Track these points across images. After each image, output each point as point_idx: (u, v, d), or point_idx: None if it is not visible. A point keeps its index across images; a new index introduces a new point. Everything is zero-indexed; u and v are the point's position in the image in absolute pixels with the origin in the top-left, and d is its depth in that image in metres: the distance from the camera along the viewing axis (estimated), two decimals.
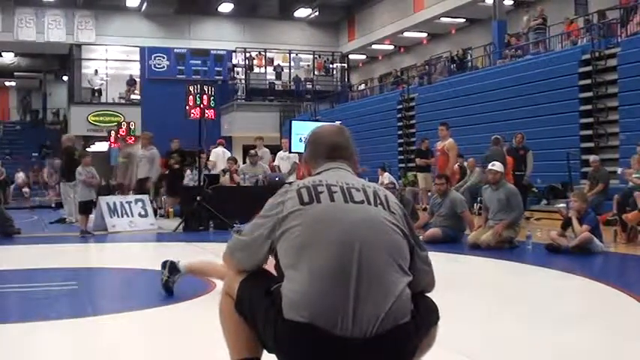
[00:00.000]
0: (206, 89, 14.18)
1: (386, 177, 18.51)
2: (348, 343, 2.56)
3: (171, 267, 6.13)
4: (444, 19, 30.74)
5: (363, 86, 38.39)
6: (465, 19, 31.33)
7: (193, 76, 34.66)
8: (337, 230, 2.67)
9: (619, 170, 12.54)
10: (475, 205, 16.27)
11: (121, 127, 21.74)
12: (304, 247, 2.66)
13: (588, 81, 18.21)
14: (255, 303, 2.77)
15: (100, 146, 31.09)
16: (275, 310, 2.65)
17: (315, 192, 2.76)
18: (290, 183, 2.95)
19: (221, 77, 35.85)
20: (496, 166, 10.57)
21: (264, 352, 2.88)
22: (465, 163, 18.61)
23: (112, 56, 37.28)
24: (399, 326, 2.63)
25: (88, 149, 17.21)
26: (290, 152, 15.67)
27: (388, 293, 2.63)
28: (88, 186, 12.85)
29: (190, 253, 9.91)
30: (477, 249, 9.96)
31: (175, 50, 35.91)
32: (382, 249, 2.69)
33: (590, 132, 17.94)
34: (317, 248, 2.64)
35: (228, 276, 2.97)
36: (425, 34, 34.43)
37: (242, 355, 2.88)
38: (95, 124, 34.24)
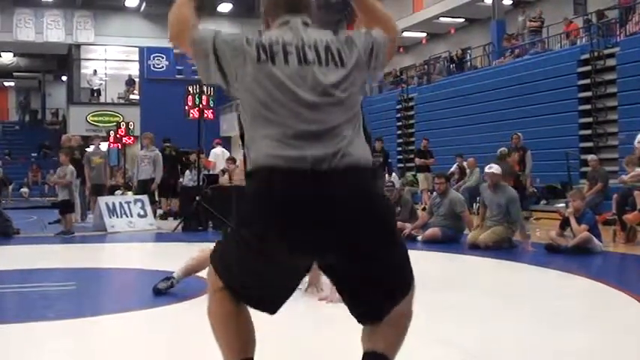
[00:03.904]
0: (205, 89, 14.21)
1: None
2: (314, 175, 2.64)
3: (165, 278, 6.27)
4: (443, 19, 30.74)
5: None
6: (464, 19, 31.32)
7: (192, 76, 34.66)
8: (290, 96, 2.73)
9: (622, 177, 12.53)
10: (474, 205, 16.28)
11: (120, 127, 21.72)
12: (259, 112, 2.74)
13: (587, 81, 18.22)
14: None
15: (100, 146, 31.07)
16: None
17: (271, 51, 2.78)
18: None
19: None
20: (493, 168, 10.52)
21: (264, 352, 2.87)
22: (465, 163, 18.62)
23: (110, 56, 37.30)
24: (359, 167, 2.72)
25: (87, 149, 17.11)
26: None
27: (344, 139, 2.73)
28: (61, 186, 12.86)
29: (189, 254, 9.90)
30: (475, 249, 9.95)
31: (174, 50, 35.87)
32: (334, 112, 2.76)
33: (589, 132, 17.96)
34: (271, 114, 2.72)
35: (209, 274, 2.94)
36: (424, 34, 34.41)
37: (235, 358, 2.87)
38: (94, 124, 34.23)
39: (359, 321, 2.90)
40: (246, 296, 2.83)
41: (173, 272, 6.32)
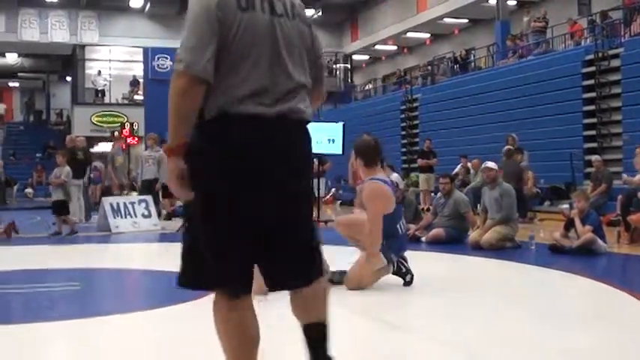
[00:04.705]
0: None
1: (394, 177, 18.45)
2: (268, 118, 2.84)
3: None
4: (447, 20, 30.72)
5: (366, 87, 38.36)
6: (468, 20, 31.30)
7: None
8: (267, 45, 2.87)
9: (624, 176, 12.52)
10: (478, 205, 16.28)
11: (124, 128, 21.78)
12: (232, 60, 2.83)
13: (591, 81, 18.20)
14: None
15: (104, 147, 31.14)
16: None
17: None
18: None
19: None
20: (489, 164, 10.68)
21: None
22: (469, 164, 18.60)
23: (115, 57, 37.33)
24: (304, 118, 2.98)
25: (92, 149, 17.21)
26: None
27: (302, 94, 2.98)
28: (55, 186, 12.90)
29: None
30: (478, 249, 9.95)
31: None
32: (296, 64, 2.97)
33: (593, 132, 17.94)
34: (248, 59, 2.84)
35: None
36: (428, 35, 34.39)
37: None
38: (98, 125, 34.27)
39: (277, 286, 3.06)
40: (223, 280, 2.90)
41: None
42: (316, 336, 3.07)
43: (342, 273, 6.54)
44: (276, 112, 2.84)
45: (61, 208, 12.81)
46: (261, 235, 2.87)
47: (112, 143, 22.17)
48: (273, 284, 3.03)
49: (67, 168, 12.99)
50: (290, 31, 2.94)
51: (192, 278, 2.97)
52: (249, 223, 2.84)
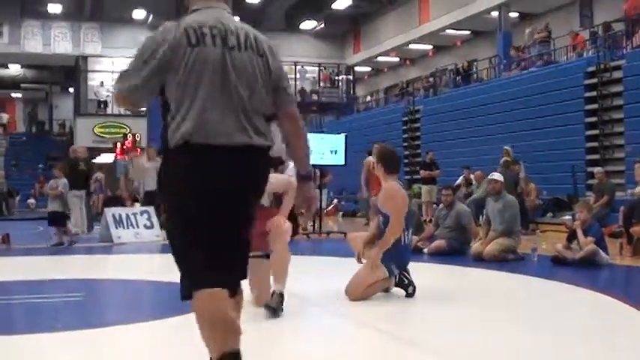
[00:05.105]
0: None
1: None
2: (224, 149, 3.05)
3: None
4: (449, 31, 30.75)
5: (368, 98, 38.39)
6: (470, 31, 31.35)
7: None
8: (218, 76, 3.07)
9: (629, 192, 12.52)
10: (481, 217, 16.25)
11: (127, 139, 21.82)
12: (187, 86, 3.04)
13: (594, 93, 18.21)
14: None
15: (106, 158, 31.17)
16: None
17: (201, 33, 3.08)
18: None
19: None
20: (495, 176, 10.70)
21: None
22: (472, 176, 18.59)
23: (118, 68, 37.24)
24: (257, 146, 3.15)
25: (93, 161, 17.20)
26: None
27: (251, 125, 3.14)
28: (52, 197, 12.92)
29: None
30: (481, 261, 9.93)
31: None
32: (251, 93, 3.15)
33: (595, 144, 17.93)
34: (200, 90, 3.04)
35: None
36: (430, 46, 34.46)
37: (219, 351, 3.05)
38: (101, 136, 34.30)
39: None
40: (214, 277, 3.06)
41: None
42: None
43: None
44: (235, 141, 3.05)
45: (57, 220, 12.81)
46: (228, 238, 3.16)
47: (115, 154, 22.14)
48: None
49: (64, 180, 13.02)
50: (242, 62, 3.13)
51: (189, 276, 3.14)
52: (220, 229, 3.09)
